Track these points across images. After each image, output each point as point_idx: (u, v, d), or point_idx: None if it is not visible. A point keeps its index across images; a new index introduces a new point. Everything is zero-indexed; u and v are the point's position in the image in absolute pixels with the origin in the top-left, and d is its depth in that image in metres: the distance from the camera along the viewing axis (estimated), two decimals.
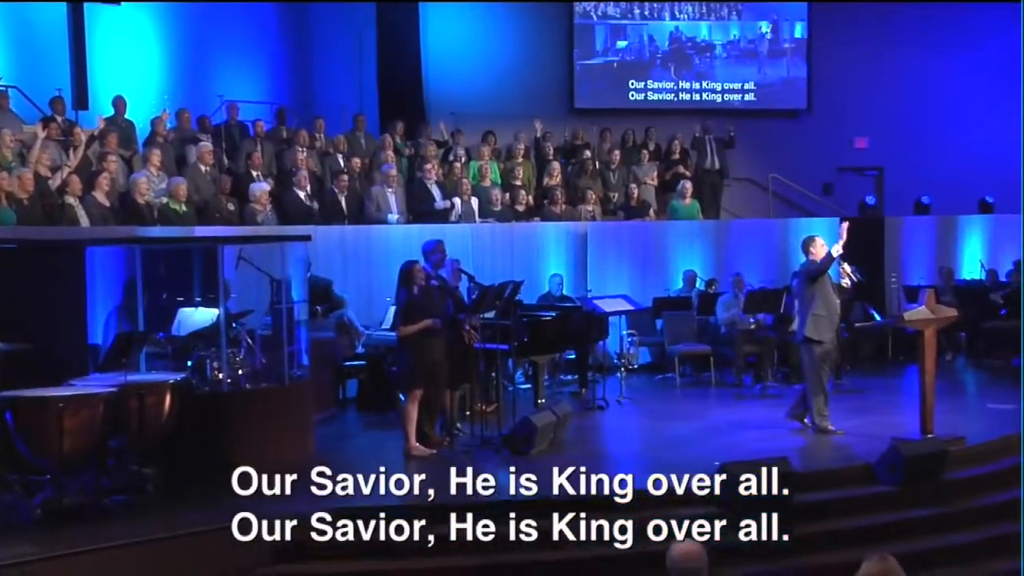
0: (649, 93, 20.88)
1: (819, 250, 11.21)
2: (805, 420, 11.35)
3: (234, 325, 10.34)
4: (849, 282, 11.83)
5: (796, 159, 21.10)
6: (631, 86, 20.81)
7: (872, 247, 16.81)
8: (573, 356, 13.99)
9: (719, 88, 21.23)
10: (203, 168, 13.93)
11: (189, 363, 9.98)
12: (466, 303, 11.32)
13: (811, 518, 8.99)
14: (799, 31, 21.41)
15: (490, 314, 11.44)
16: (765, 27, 21.22)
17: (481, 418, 11.27)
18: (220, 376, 9.82)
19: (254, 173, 14.18)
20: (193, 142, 14.52)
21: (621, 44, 20.80)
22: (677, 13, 20.88)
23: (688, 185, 17.29)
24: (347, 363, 12.86)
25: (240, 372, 10.02)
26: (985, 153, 21.26)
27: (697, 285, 15.66)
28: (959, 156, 21.15)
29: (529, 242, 15.11)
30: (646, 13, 20.78)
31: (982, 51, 21.90)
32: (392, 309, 11.43)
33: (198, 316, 10.43)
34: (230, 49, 17.59)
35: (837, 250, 11.09)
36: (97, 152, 13.36)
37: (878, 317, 14.71)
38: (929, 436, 10.40)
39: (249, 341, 10.41)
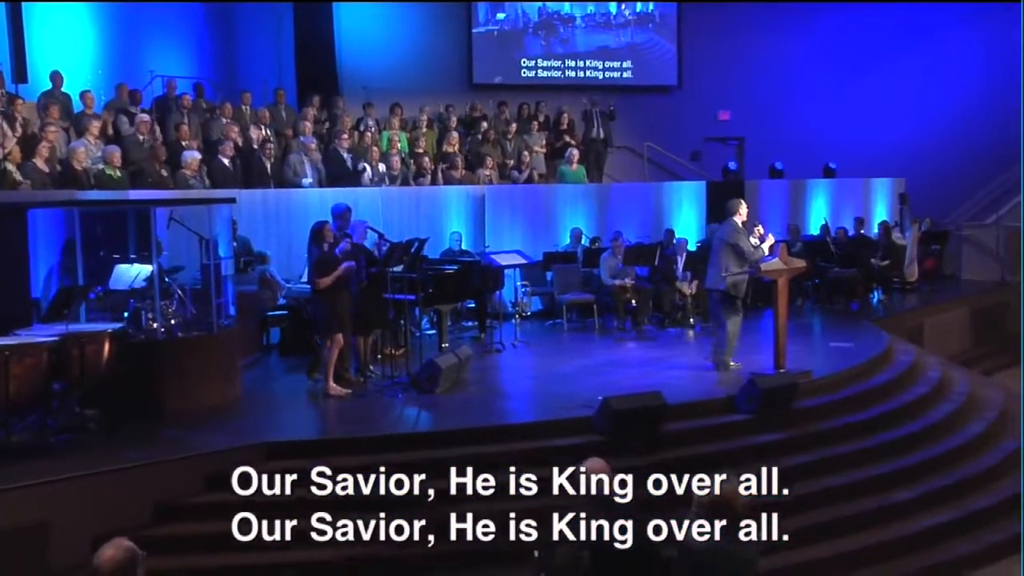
0: (540, 71, 20.85)
1: (743, 212, 11.20)
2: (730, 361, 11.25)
3: (166, 279, 10.24)
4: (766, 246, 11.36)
5: (668, 130, 21.29)
6: (523, 64, 20.76)
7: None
8: (473, 305, 13.99)
9: (601, 66, 21.28)
10: (140, 137, 13.66)
11: (125, 314, 9.84)
12: (377, 258, 11.28)
13: (680, 443, 9.15)
14: (662, 10, 21.65)
15: (398, 268, 11.43)
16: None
17: (391, 361, 11.27)
18: (154, 326, 9.70)
19: (183, 142, 13.92)
20: (126, 114, 14.21)
21: (500, 16, 20.69)
22: None
23: (575, 152, 17.35)
24: (270, 313, 12.74)
25: (172, 322, 9.89)
26: (829, 125, 21.67)
27: (582, 241, 15.74)
28: (807, 127, 21.51)
29: (433, 203, 15.04)
30: None
31: (825, 34, 22.24)
32: None
33: (133, 272, 10.27)
34: (160, 29, 17.19)
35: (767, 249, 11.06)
36: (37, 123, 13.05)
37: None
38: (782, 371, 10.56)
39: (180, 294, 10.31)
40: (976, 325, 17.99)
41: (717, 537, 5.16)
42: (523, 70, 20.71)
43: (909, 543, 8.68)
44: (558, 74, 20.97)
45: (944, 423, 10.75)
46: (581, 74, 21.08)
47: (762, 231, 11.51)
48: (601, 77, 21.19)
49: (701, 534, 5.24)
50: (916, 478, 9.51)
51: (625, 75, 21.40)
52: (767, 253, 11.03)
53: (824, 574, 8.16)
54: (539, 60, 20.88)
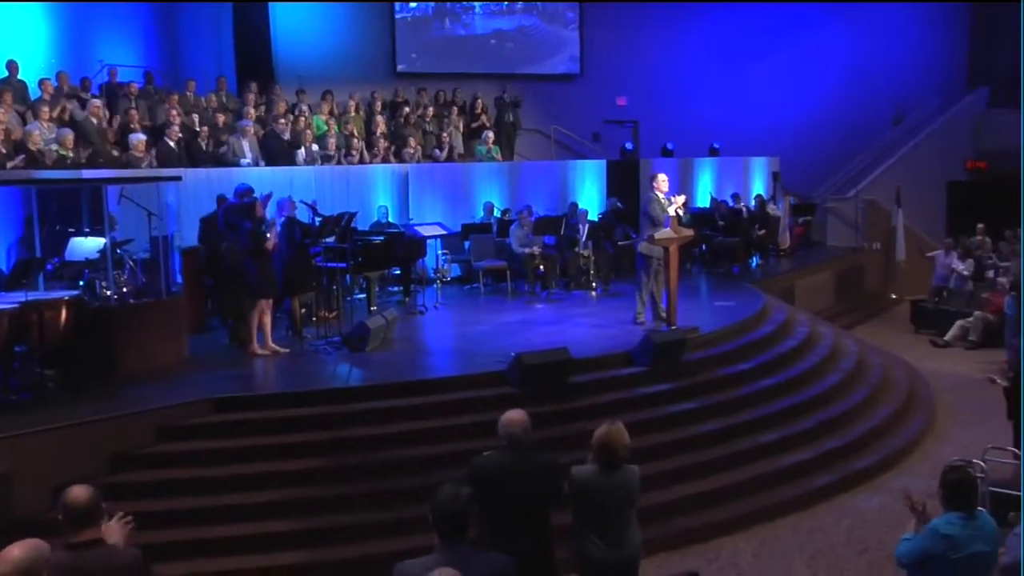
0: (457, 61, 20.69)
1: (661, 184, 11.24)
2: (663, 315, 11.17)
3: (118, 251, 10.06)
4: (678, 212, 11.44)
5: (572, 114, 21.33)
6: (434, 49, 20.57)
7: (630, 182, 17.17)
8: (398, 272, 13.95)
9: (501, 48, 21.21)
10: (94, 121, 13.34)
11: (81, 283, 9.71)
12: (311, 229, 11.20)
13: (584, 393, 9.25)
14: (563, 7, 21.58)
15: (331, 239, 11.36)
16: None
17: (324, 323, 11.25)
18: (108, 293, 9.57)
19: (132, 126, 13.61)
20: (78, 100, 13.86)
21: (412, 4, 20.46)
22: None
23: (490, 134, 17.34)
24: (208, 281, 12.51)
25: (124, 290, 9.76)
26: (713, 110, 21.91)
27: (495, 214, 15.78)
28: (694, 111, 21.70)
29: (361, 180, 14.92)
30: None
31: (711, 29, 22.44)
32: None
33: (87, 244, 10.10)
34: (108, 21, 16.72)
35: (675, 210, 11.10)
36: None
37: (635, 237, 15.06)
38: (673, 328, 10.67)
39: (132, 264, 10.14)
40: (838, 286, 18.43)
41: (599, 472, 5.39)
42: (436, 55, 20.49)
43: (776, 477, 8.90)
44: (466, 59, 20.80)
45: (810, 372, 11.00)
46: (489, 60, 20.92)
47: (680, 200, 11.49)
48: (511, 67, 21.07)
49: (587, 470, 5.44)
50: (783, 421, 9.74)
51: (533, 65, 21.33)
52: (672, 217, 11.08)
53: (706, 504, 8.34)
54: (443, 43, 20.66)
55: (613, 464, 5.39)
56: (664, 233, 10.90)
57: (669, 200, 11.21)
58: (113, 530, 4.18)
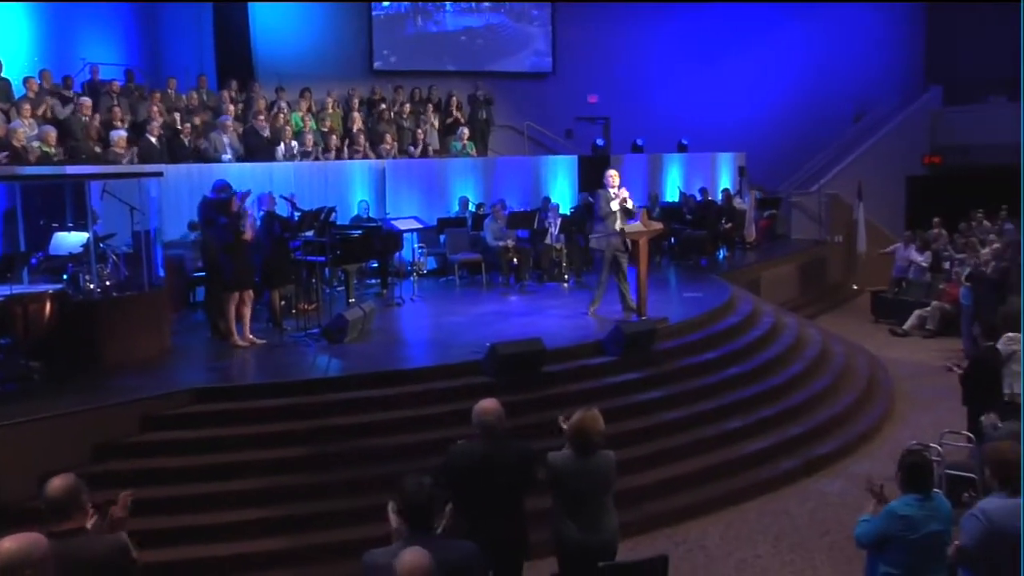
0: (429, 58, 20.63)
1: (610, 180, 11.18)
2: (631, 305, 11.11)
3: (101, 245, 9.98)
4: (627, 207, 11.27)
5: (545, 111, 21.34)
6: (409, 47, 20.50)
7: (601, 178, 16.98)
8: (376, 264, 13.93)
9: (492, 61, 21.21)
10: (82, 118, 13.26)
11: (65, 276, 9.63)
12: (291, 223, 11.16)
13: (556, 383, 9.27)
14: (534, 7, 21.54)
15: (310, 233, 11.32)
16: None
17: (304, 315, 11.21)
18: (91, 286, 9.50)
19: (115, 123, 13.51)
20: (60, 97, 13.74)
21: (385, 3, 20.37)
22: None
23: (464, 131, 17.32)
24: (195, 274, 12.48)
25: (107, 283, 9.69)
26: (682, 107, 21.98)
27: (470, 208, 15.77)
28: (664, 109, 21.77)
29: (340, 176, 14.88)
30: None
31: (679, 29, 22.50)
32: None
33: (71, 239, 10.03)
34: (90, 20, 16.57)
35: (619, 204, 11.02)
36: None
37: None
38: (643, 318, 10.69)
39: (114, 258, 10.07)
40: (802, 277, 18.54)
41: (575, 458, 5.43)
42: (410, 52, 20.41)
43: (741, 463, 8.97)
44: (447, 61, 20.77)
45: (775, 361, 11.05)
46: (460, 57, 20.87)
47: (624, 193, 11.29)
48: (484, 66, 21.04)
49: (563, 455, 5.47)
50: (749, 409, 9.79)
51: (506, 63, 21.31)
52: (616, 211, 11.03)
53: (674, 490, 8.40)
54: (415, 40, 20.58)
55: (588, 450, 5.41)
56: (635, 227, 10.94)
57: (614, 195, 11.13)
58: (116, 510, 4.20)
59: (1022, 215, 14.89)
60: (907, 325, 15.97)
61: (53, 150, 12.19)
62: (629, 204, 11.11)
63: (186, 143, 13.95)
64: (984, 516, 4.64)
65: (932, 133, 22.98)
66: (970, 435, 8.01)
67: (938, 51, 24.75)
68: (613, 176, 11.30)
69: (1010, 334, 8.28)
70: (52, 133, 12.36)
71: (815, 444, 9.62)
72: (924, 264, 17.36)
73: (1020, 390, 7.81)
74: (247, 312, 10.29)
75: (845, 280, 20.10)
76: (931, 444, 7.92)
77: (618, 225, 10.95)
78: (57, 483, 4.05)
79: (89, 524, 4.09)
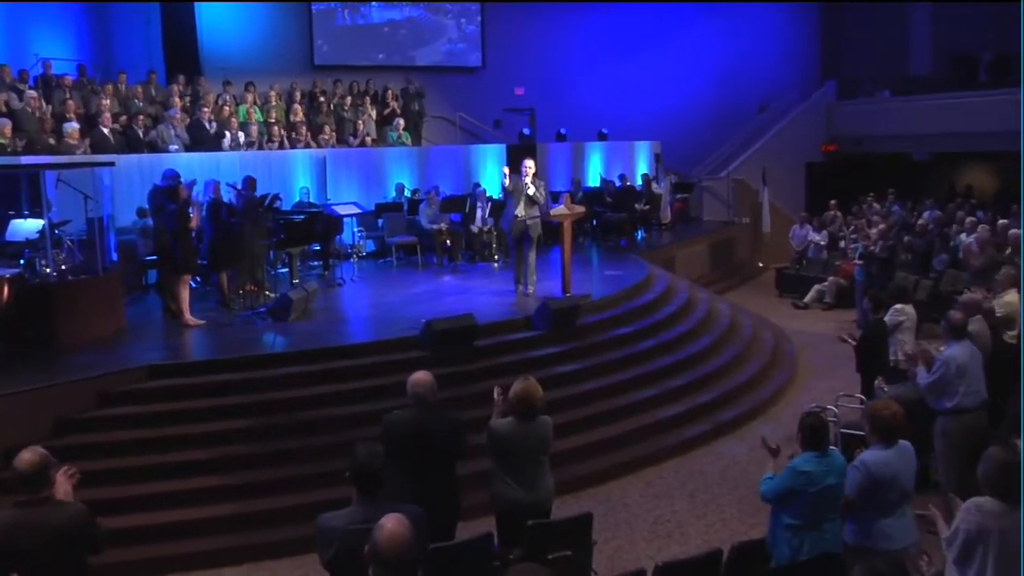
0: (356, 50, 20.42)
1: (528, 169, 11.08)
2: (520, 280, 11.32)
3: (56, 232, 9.80)
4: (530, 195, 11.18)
5: (475, 102, 21.27)
6: (343, 43, 20.30)
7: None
8: (318, 247, 13.83)
9: (418, 54, 21.06)
10: (31, 111, 12.91)
11: (21, 261, 9.44)
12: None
13: (488, 355, 9.34)
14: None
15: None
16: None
17: (250, 296, 11.10)
18: (47, 271, 9.34)
19: (68, 116, 13.18)
20: (15, 91, 13.37)
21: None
22: None
23: (400, 121, 17.23)
24: (147, 258, 12.27)
25: (63, 267, 9.52)
26: (602, 99, 22.11)
27: (406, 193, 15.71)
28: (585, 100, 21.86)
29: (283, 165, 14.71)
30: None
31: (599, 25, 22.59)
32: None
33: (27, 226, 9.83)
34: (42, 18, 16.12)
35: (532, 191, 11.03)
36: None
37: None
38: (568, 295, 10.81)
39: (69, 243, 9.88)
40: (713, 255, 18.82)
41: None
42: (340, 44, 20.17)
43: (657, 427, 9.14)
44: (383, 57, 20.58)
45: (688, 334, 11.23)
46: (386, 49, 20.70)
47: (528, 180, 11.12)
48: (418, 61, 20.91)
49: (505, 422, 5.52)
50: (664, 377, 9.98)
51: (438, 59, 21.22)
52: (521, 195, 11.03)
53: (595, 453, 8.54)
54: (344, 32, 20.36)
55: (530, 415, 5.47)
56: (560, 210, 11.03)
57: (526, 184, 11.08)
58: (60, 483, 4.14)
59: (1023, 207, 14.95)
60: (807, 299, 16.34)
61: (8, 142, 11.89)
62: (531, 191, 11.05)
63: (140, 135, 13.69)
64: (863, 466, 5.00)
65: (828, 124, 23.46)
66: (862, 397, 8.28)
67: (831, 50, 25.36)
68: (529, 167, 11.18)
69: (897, 305, 8.59)
70: (8, 125, 12.06)
71: (724, 409, 9.83)
72: (822, 243, 17.79)
73: (902, 356, 8.09)
74: (185, 294, 10.16)
75: (751, 258, 20.47)
76: (828, 406, 8.16)
77: (519, 211, 11.01)
78: (27, 457, 4.01)
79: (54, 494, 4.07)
